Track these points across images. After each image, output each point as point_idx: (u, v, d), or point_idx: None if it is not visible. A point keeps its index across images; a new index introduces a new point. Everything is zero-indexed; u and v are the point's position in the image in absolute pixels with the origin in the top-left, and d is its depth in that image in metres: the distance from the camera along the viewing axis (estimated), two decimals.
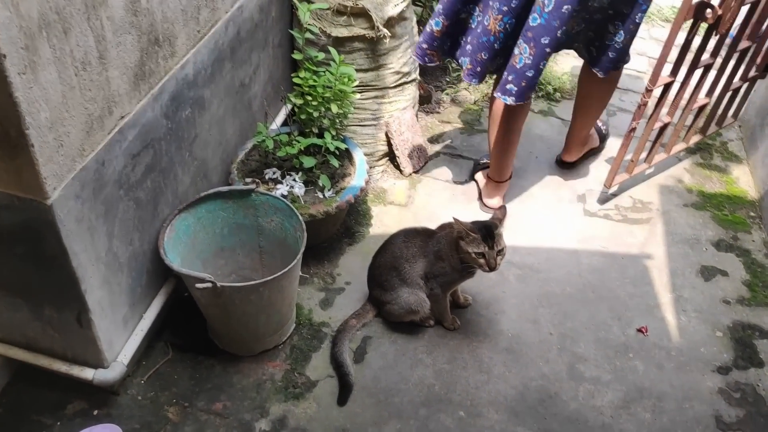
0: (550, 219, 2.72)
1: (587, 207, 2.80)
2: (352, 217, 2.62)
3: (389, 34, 2.47)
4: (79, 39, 1.41)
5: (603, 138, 3.09)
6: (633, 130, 2.58)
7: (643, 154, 2.83)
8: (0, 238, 1.57)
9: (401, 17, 2.54)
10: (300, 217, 2.06)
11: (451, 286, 2.12)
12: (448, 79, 3.37)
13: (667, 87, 2.54)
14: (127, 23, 1.57)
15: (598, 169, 2.98)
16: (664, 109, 2.65)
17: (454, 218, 1.99)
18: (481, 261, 1.98)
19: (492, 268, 1.99)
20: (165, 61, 1.79)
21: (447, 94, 3.31)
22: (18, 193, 1.44)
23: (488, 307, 2.34)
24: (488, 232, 1.98)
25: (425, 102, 3.19)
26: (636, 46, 3.87)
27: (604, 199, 2.83)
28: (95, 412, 1.94)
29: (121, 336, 1.90)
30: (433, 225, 2.49)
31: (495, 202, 2.70)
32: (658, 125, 2.67)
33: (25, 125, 1.31)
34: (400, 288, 2.13)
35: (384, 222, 2.64)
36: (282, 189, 2.30)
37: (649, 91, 2.45)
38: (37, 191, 1.42)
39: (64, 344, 1.83)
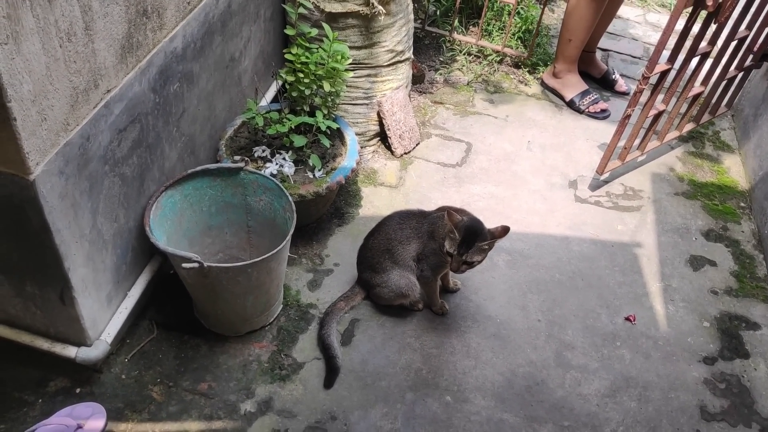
0: (540, 205, 2.70)
1: (578, 193, 2.78)
2: (342, 197, 2.59)
3: (384, 11, 2.42)
4: (64, 9, 1.36)
5: (607, 76, 3.33)
6: (628, 117, 2.56)
7: (636, 141, 2.81)
8: None
9: None
10: (290, 198, 2.02)
11: (441, 268, 2.10)
12: (441, 59, 3.33)
13: (664, 74, 2.51)
14: None
15: (591, 156, 2.96)
16: (660, 96, 2.63)
17: (448, 211, 1.95)
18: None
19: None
20: (153, 34, 1.73)
21: (440, 74, 3.26)
22: None
23: (477, 293, 2.33)
24: (469, 238, 1.92)
25: (418, 82, 3.14)
26: (631, 31, 3.85)
27: (595, 186, 2.82)
28: (78, 390, 1.91)
29: (104, 314, 1.87)
30: (424, 207, 2.47)
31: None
32: (652, 113, 2.65)
33: (6, 98, 1.26)
34: (391, 270, 2.11)
35: (374, 203, 2.61)
36: (271, 168, 2.26)
37: (645, 78, 2.42)
38: (19, 166, 1.37)
39: (47, 321, 1.79)
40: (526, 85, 3.31)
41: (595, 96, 3.18)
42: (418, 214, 2.15)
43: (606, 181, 2.84)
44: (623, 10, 3.96)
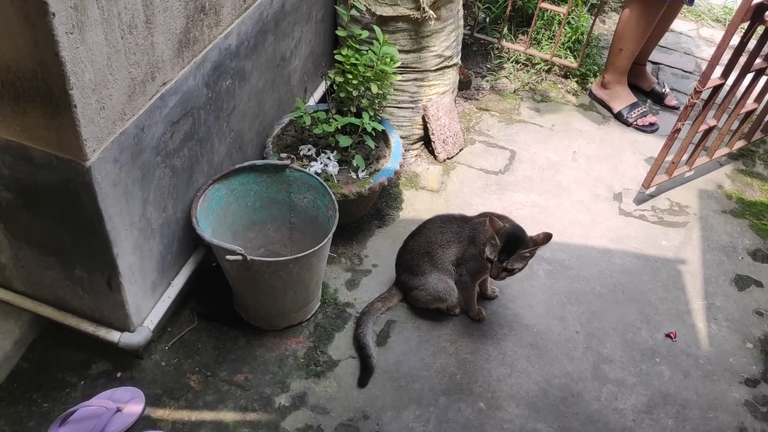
0: (584, 216, 2.67)
1: (623, 206, 2.75)
2: (383, 199, 2.60)
3: (435, 16, 2.43)
4: (127, 1, 1.40)
5: (657, 89, 3.29)
6: (677, 131, 2.52)
7: (684, 156, 2.76)
8: (36, 197, 1.58)
9: (448, 0, 2.49)
10: (333, 197, 2.04)
11: (480, 274, 2.09)
12: (488, 66, 3.32)
13: (716, 89, 2.46)
14: None
15: (637, 169, 2.92)
16: (711, 112, 2.58)
17: (490, 217, 1.94)
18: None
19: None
20: (209, 30, 1.77)
21: (487, 81, 3.26)
22: (57, 153, 1.44)
23: (515, 301, 2.31)
24: (511, 246, 1.92)
25: (464, 88, 3.14)
26: (683, 45, 3.79)
27: (640, 200, 2.78)
28: (119, 375, 1.96)
29: (148, 301, 1.91)
30: (464, 212, 2.47)
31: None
32: (703, 128, 2.61)
33: (69, 85, 1.31)
34: (429, 274, 2.11)
35: (415, 207, 2.62)
36: (316, 166, 2.28)
37: (697, 92, 2.39)
38: (77, 152, 1.42)
39: (93, 305, 1.84)
40: (573, 95, 3.29)
41: (644, 109, 3.14)
42: (460, 218, 2.15)
43: (652, 195, 2.80)
44: (676, 24, 3.90)
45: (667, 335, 2.28)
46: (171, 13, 1.57)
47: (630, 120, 3.11)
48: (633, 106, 3.13)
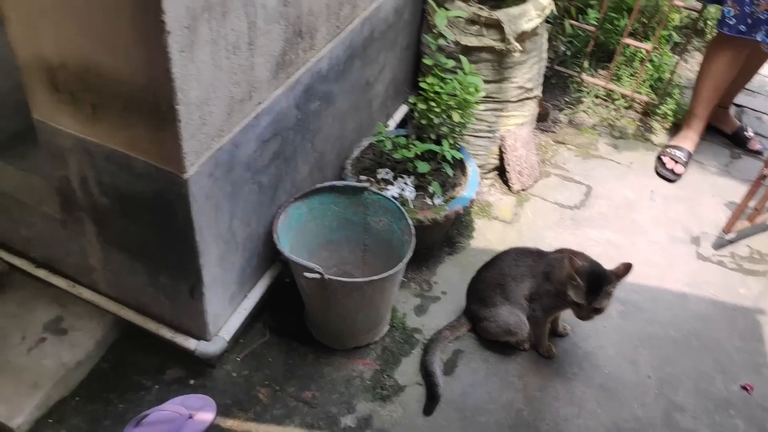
0: (659, 257, 2.61)
1: (701, 250, 2.67)
2: (455, 227, 2.61)
3: (520, 48, 2.44)
4: (234, 23, 1.46)
5: (740, 132, 3.19)
6: (763, 177, 2.45)
7: None
8: (132, 205, 1.65)
9: (534, 33, 2.50)
10: (410, 221, 2.06)
11: (554, 311, 2.07)
12: (567, 99, 3.30)
13: None
14: (277, 13, 1.61)
15: (716, 213, 2.84)
16: None
17: (569, 256, 1.92)
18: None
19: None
20: (304, 53, 1.83)
21: (565, 114, 3.23)
22: (158, 164, 1.51)
23: (586, 340, 2.27)
24: (596, 285, 1.89)
25: (541, 120, 3.13)
26: None
27: (719, 245, 2.70)
28: (191, 382, 2.01)
29: (225, 312, 1.96)
30: (537, 245, 2.45)
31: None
32: None
33: (176, 100, 1.37)
34: (501, 306, 2.10)
35: (486, 236, 2.61)
36: (393, 190, 2.31)
37: None
38: (177, 165, 1.48)
39: (173, 312, 1.90)
40: (653, 133, 3.23)
41: (683, 156, 3.00)
42: (535, 252, 2.13)
43: (731, 241, 2.71)
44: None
45: (743, 387, 2.20)
46: (271, 36, 1.63)
47: (663, 156, 3.02)
48: (677, 149, 3.02)
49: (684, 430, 2.05)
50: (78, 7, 1.32)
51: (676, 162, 2.99)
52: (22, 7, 1.40)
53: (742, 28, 2.65)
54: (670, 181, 2.97)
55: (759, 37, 2.62)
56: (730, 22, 2.67)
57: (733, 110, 3.33)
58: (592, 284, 1.88)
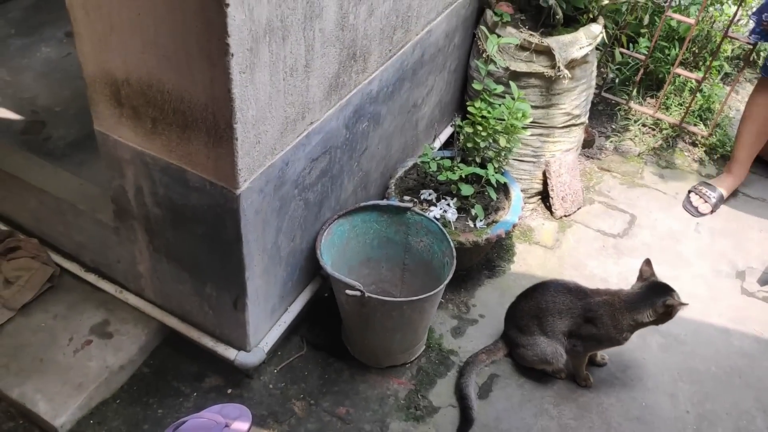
0: (703, 291, 2.57)
1: (745, 285, 2.63)
2: (495, 250, 2.61)
3: (569, 75, 2.44)
4: (293, 47, 1.51)
5: None
6: None
7: None
8: (184, 217, 1.70)
9: (583, 60, 2.50)
10: (451, 243, 2.07)
11: (596, 348, 2.06)
12: (614, 127, 3.28)
13: None
14: (333, 37, 1.65)
15: (763, 247, 2.79)
16: None
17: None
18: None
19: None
20: (357, 76, 1.86)
21: (611, 141, 3.22)
22: (212, 179, 1.56)
23: (624, 371, 2.25)
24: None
25: (587, 146, 3.12)
26: None
27: (765, 281, 2.64)
28: (229, 391, 2.04)
29: (266, 324, 1.99)
30: (578, 273, 2.44)
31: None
32: None
33: (234, 119, 1.41)
34: (538, 336, 2.09)
35: (527, 261, 2.61)
36: (435, 212, 2.32)
37: None
38: (230, 180, 1.53)
39: (215, 322, 1.94)
40: (701, 164, 3.19)
41: (713, 196, 2.91)
42: (574, 290, 2.10)
43: None
44: None
45: None
46: (327, 59, 1.67)
47: (692, 193, 2.96)
48: (708, 186, 2.95)
49: None
50: (147, 25, 1.37)
51: (705, 201, 2.91)
52: (93, 23, 1.46)
53: None
54: (695, 216, 2.91)
55: None
56: None
57: None
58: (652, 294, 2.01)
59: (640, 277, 2.07)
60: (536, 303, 2.10)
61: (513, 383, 2.18)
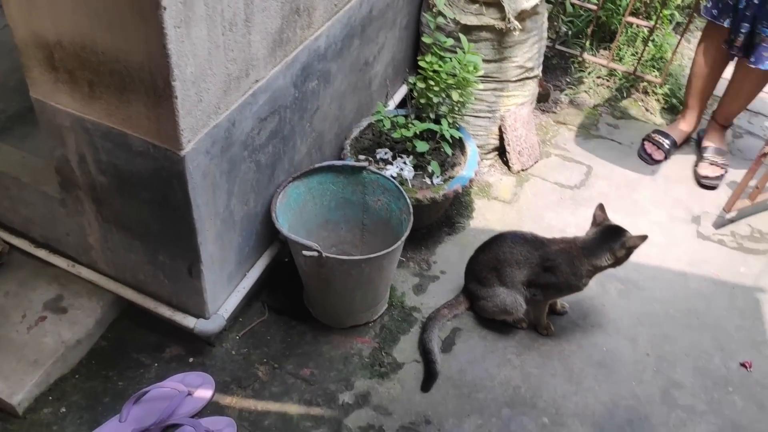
0: (660, 237, 2.61)
1: (701, 229, 2.67)
2: (454, 207, 2.61)
3: (520, 27, 2.42)
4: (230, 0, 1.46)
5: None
6: (764, 155, 2.44)
7: None
8: (130, 183, 1.66)
9: (534, 11, 2.49)
10: (408, 201, 2.06)
11: (556, 296, 2.08)
12: (568, 80, 3.29)
13: None
14: None
15: (717, 192, 2.83)
16: None
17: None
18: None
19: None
20: (302, 31, 1.82)
21: (566, 94, 3.22)
22: (155, 141, 1.51)
23: (585, 318, 2.28)
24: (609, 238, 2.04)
25: (542, 100, 3.12)
26: None
27: (720, 224, 2.70)
28: (191, 360, 2.02)
29: (224, 291, 1.97)
30: (536, 225, 2.45)
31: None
32: None
33: (172, 77, 1.37)
34: (498, 287, 2.10)
35: (486, 216, 2.61)
36: (391, 170, 2.31)
37: None
38: (173, 142, 1.48)
39: (172, 291, 1.91)
40: (654, 114, 3.21)
41: (666, 143, 2.95)
42: (532, 240, 2.11)
43: (732, 220, 2.71)
44: None
45: (742, 365, 2.20)
46: (268, 13, 1.62)
47: (645, 141, 2.99)
48: (663, 135, 2.99)
49: (682, 407, 2.07)
50: None
51: (658, 148, 2.95)
52: None
53: (714, 12, 2.62)
54: (648, 164, 2.94)
55: (726, 23, 2.58)
56: (708, 5, 2.64)
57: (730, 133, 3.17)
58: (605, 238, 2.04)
59: (594, 222, 2.09)
60: (494, 255, 2.11)
61: (475, 336, 2.19)
